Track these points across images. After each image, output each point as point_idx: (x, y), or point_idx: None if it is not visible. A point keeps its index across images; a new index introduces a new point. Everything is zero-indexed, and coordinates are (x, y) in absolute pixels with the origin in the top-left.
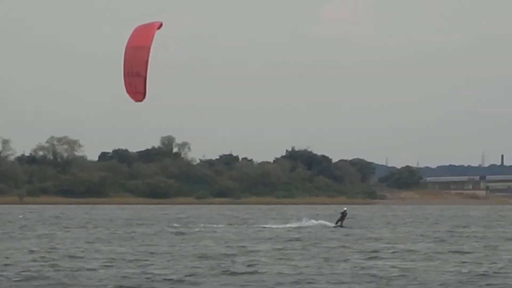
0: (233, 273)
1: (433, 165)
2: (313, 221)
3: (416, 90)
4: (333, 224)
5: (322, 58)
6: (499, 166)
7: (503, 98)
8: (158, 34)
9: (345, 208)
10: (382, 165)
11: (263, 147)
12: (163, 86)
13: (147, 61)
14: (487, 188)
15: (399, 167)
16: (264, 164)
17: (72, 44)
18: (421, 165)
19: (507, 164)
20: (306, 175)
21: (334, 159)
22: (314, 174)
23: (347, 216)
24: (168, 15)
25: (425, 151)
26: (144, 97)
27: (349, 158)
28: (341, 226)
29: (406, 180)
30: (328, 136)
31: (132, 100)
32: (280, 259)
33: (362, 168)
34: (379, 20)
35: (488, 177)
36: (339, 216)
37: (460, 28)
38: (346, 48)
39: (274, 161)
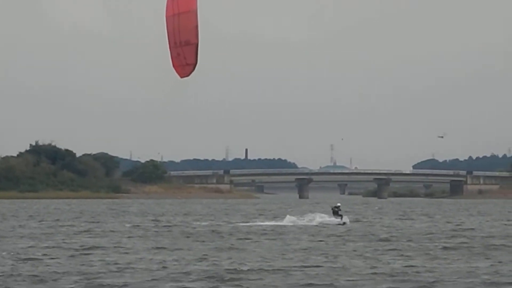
0: None
1: (178, 159)
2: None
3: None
4: (333, 219)
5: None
6: (243, 160)
7: (251, 92)
8: None
9: (338, 204)
10: (126, 159)
11: (7, 141)
12: None
13: (197, 26)
14: (231, 182)
15: (143, 161)
16: (7, 158)
17: None
18: (165, 159)
19: (251, 158)
20: (50, 170)
21: (78, 154)
22: (58, 168)
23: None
24: None
25: (169, 145)
26: (194, 69)
27: (93, 152)
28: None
29: (150, 174)
30: (72, 130)
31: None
32: None
33: (106, 162)
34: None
35: (232, 171)
36: (337, 212)
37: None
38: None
39: (18, 155)
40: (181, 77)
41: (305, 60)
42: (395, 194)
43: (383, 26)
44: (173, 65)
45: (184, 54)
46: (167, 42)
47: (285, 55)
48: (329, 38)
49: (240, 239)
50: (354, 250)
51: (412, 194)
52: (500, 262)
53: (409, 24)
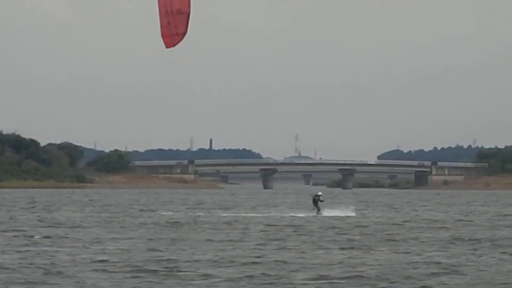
0: None
1: (142, 149)
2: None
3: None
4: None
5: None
6: (208, 150)
7: (214, 82)
8: None
9: (319, 193)
10: (91, 149)
11: None
12: None
13: None
14: (195, 172)
15: (107, 151)
16: None
17: None
18: (130, 149)
19: (216, 148)
20: (15, 159)
21: (42, 143)
22: (22, 158)
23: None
24: None
25: (134, 135)
26: (182, 39)
27: (58, 141)
28: (318, 210)
29: (115, 164)
30: (36, 120)
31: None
32: None
33: (71, 152)
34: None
35: (196, 161)
36: (316, 201)
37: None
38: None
39: None
40: (167, 47)
41: (270, 48)
42: (360, 185)
43: (351, 15)
44: (162, 35)
45: (175, 23)
46: (158, 11)
47: (249, 43)
48: (294, 25)
49: (196, 229)
50: (313, 242)
51: (377, 184)
52: (454, 254)
53: (379, 14)
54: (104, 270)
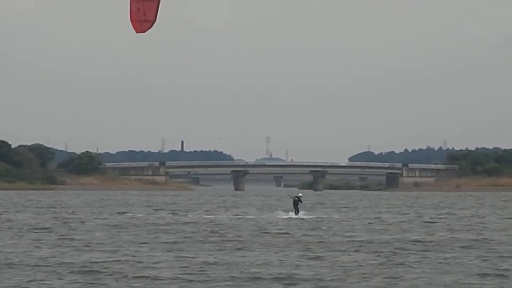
0: None
1: (113, 150)
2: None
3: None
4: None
5: None
6: (179, 152)
7: (186, 83)
8: None
9: (300, 194)
10: (62, 151)
11: None
12: None
13: None
14: (166, 174)
15: (79, 152)
16: None
17: None
18: (101, 151)
19: (187, 150)
20: None
21: (13, 145)
22: None
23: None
24: None
25: (105, 136)
26: (151, 26)
27: (29, 143)
28: (297, 212)
29: (86, 165)
30: (8, 121)
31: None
32: None
33: (42, 154)
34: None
35: (168, 163)
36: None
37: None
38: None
39: None
40: (137, 32)
41: (240, 49)
42: (331, 187)
43: (322, 15)
44: (131, 20)
45: (144, 10)
46: None
47: (220, 44)
48: (263, 26)
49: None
50: (275, 244)
51: (348, 186)
52: (412, 266)
53: (350, 16)
54: (61, 272)
